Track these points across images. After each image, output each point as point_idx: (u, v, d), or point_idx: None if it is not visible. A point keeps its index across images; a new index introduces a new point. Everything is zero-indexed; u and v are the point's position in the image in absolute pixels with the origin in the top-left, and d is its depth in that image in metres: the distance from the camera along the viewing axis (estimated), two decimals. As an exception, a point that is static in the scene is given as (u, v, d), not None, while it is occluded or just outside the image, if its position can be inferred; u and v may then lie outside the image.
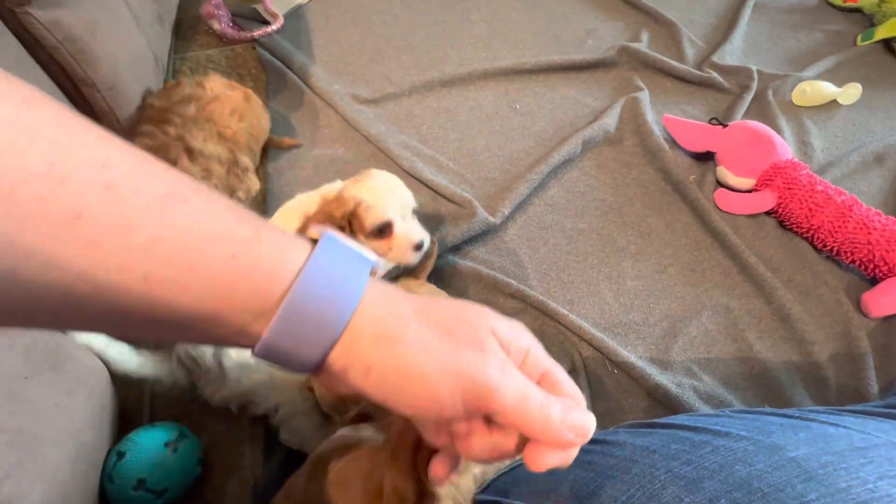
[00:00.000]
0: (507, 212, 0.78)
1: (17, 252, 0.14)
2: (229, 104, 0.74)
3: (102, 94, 0.67)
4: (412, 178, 0.85)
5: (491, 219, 0.76)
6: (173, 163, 0.63)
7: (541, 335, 0.66)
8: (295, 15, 1.23)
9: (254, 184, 0.78)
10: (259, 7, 1.23)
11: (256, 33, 1.12)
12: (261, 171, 0.86)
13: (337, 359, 0.19)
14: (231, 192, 0.73)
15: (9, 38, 0.58)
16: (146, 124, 0.67)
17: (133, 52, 0.76)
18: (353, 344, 0.19)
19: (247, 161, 0.76)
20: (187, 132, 0.66)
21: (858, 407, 0.41)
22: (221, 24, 1.13)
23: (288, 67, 1.05)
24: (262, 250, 0.18)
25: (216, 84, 0.76)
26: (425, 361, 0.19)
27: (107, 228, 0.15)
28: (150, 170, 0.17)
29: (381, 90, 1.00)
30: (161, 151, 0.64)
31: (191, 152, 0.66)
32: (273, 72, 1.04)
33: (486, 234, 0.77)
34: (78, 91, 0.68)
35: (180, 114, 0.68)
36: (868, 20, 1.19)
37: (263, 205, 0.81)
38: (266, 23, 1.17)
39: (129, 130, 0.71)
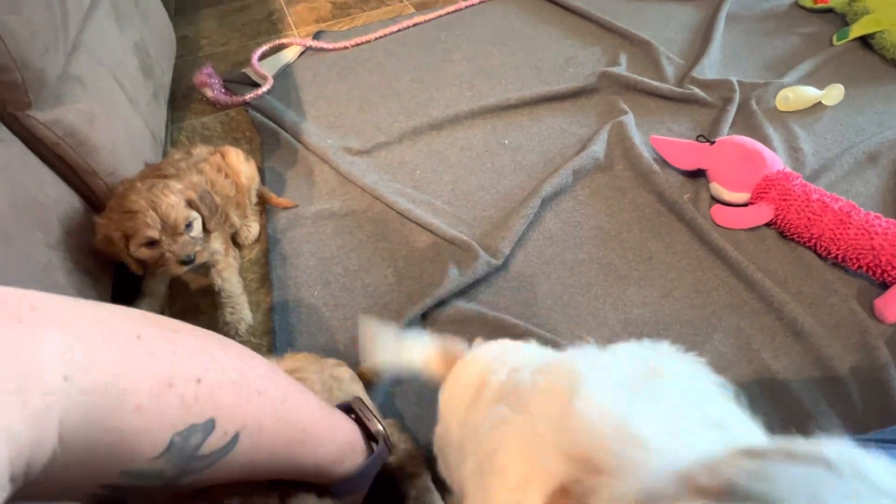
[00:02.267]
0: (507, 251, 0.78)
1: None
2: (215, 164, 0.78)
3: (104, 181, 0.70)
4: (411, 224, 0.86)
5: (493, 260, 0.76)
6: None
7: (553, 375, 0.66)
8: (283, 74, 1.28)
9: (252, 230, 0.86)
10: (248, 70, 1.27)
11: (248, 97, 1.16)
12: (262, 233, 0.88)
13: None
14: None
15: (12, 140, 0.61)
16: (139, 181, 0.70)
17: (131, 135, 0.79)
18: None
19: (234, 219, 0.82)
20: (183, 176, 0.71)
21: (875, 435, 0.40)
22: (214, 92, 1.17)
23: (280, 127, 1.08)
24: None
25: (202, 150, 0.81)
26: None
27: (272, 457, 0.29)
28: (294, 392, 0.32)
29: (371, 140, 1.03)
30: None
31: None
32: (266, 132, 1.07)
33: (489, 274, 0.77)
34: (79, 179, 0.70)
35: (175, 166, 0.72)
36: (841, 19, 1.21)
37: (266, 266, 0.83)
38: (256, 85, 1.22)
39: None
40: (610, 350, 0.30)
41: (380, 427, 0.39)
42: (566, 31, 1.32)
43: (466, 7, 1.45)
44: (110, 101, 0.76)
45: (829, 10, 1.26)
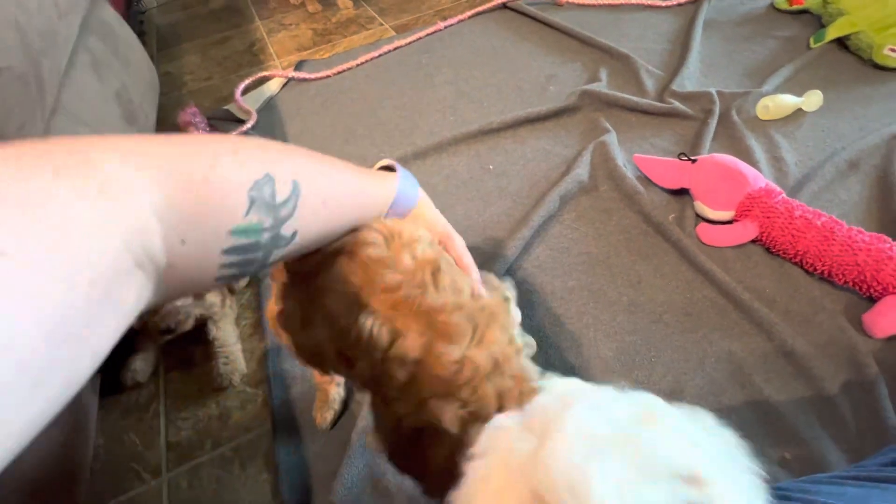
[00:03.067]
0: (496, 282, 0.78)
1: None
2: None
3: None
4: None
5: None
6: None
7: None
8: (267, 108, 1.28)
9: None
10: (231, 107, 1.28)
11: (233, 134, 1.16)
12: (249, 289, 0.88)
13: (411, 210, 0.43)
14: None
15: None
16: None
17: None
18: (417, 207, 0.43)
19: None
20: None
21: (863, 471, 0.40)
22: (199, 131, 1.17)
23: (266, 164, 1.08)
24: (376, 186, 0.40)
25: None
26: (435, 215, 0.44)
27: (327, 205, 0.34)
28: (328, 171, 0.35)
29: (357, 173, 1.03)
30: None
31: None
32: (252, 171, 1.07)
33: (478, 308, 0.77)
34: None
35: None
36: (817, 21, 1.22)
37: (258, 311, 0.83)
38: (241, 121, 1.22)
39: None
40: (612, 389, 0.30)
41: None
42: (546, 47, 1.32)
43: (445, 28, 1.46)
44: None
45: (805, 12, 1.26)
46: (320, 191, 0.32)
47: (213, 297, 0.74)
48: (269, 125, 1.22)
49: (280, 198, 0.28)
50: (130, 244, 0.21)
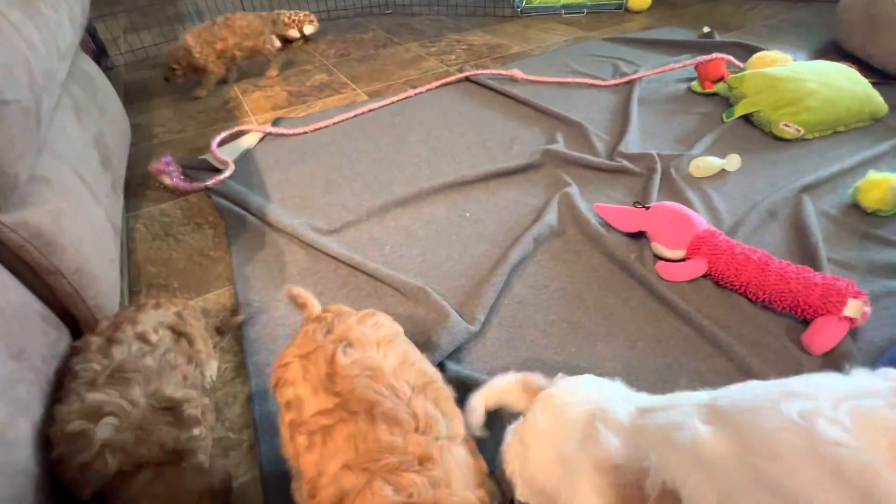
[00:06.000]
0: (482, 318, 0.82)
1: None
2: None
3: (68, 279, 0.67)
4: (388, 297, 0.88)
5: (471, 327, 0.80)
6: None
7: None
8: (245, 159, 1.31)
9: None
10: (208, 156, 1.29)
11: (209, 182, 1.17)
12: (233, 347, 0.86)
13: None
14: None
15: (-29, 245, 0.58)
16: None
17: (95, 230, 0.77)
18: None
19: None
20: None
21: None
22: (173, 179, 1.17)
23: (245, 210, 1.09)
24: None
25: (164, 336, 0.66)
26: None
27: None
28: None
29: (339, 219, 1.07)
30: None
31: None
32: (231, 217, 1.08)
33: (467, 341, 0.80)
34: (40, 279, 0.67)
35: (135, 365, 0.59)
36: (726, 101, 1.48)
37: (239, 353, 0.80)
38: (217, 171, 1.23)
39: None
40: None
41: None
42: (507, 114, 1.48)
43: (415, 94, 1.60)
44: (75, 197, 0.75)
45: (716, 94, 1.53)
46: None
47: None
48: (247, 175, 1.24)
49: None
50: None
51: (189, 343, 0.66)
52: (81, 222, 0.73)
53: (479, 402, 0.58)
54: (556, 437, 0.45)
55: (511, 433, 0.55)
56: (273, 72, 1.80)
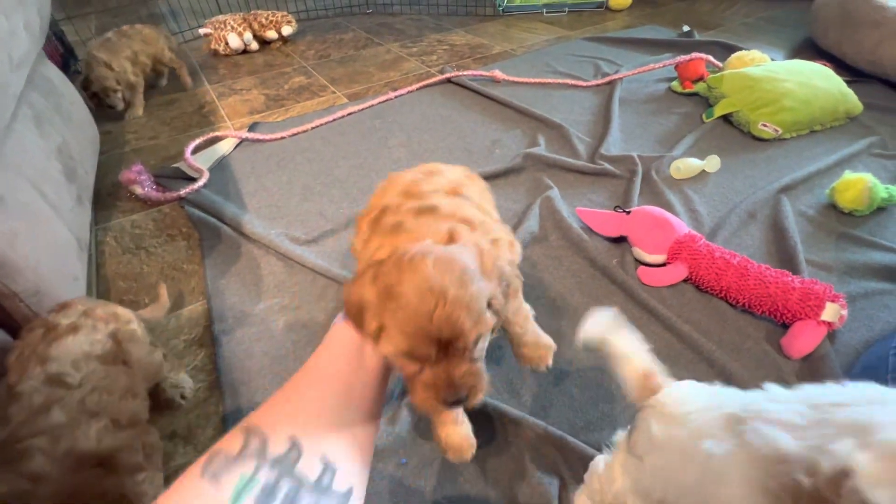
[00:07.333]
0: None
1: None
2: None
3: (25, 303, 0.64)
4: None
5: (450, 340, 0.78)
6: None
7: (526, 459, 0.67)
8: (220, 166, 1.27)
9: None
10: (182, 165, 1.25)
11: (183, 192, 1.13)
12: (207, 335, 0.83)
13: None
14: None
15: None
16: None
17: (55, 247, 0.74)
18: None
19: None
20: None
21: None
22: (144, 189, 1.13)
23: (220, 220, 1.06)
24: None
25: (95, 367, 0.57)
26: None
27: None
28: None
29: (317, 228, 1.04)
30: None
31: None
32: (205, 228, 1.04)
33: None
34: (-5, 303, 0.63)
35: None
36: (706, 101, 1.49)
37: (213, 372, 0.78)
38: (191, 179, 1.20)
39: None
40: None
41: None
42: (489, 116, 1.47)
43: (396, 97, 1.58)
44: (33, 215, 0.71)
45: (696, 94, 1.54)
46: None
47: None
48: (222, 183, 1.21)
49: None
50: None
51: (127, 372, 0.55)
52: (39, 241, 0.69)
53: (599, 328, 0.55)
54: (685, 445, 0.41)
55: (613, 452, 0.51)
56: (186, 80, 1.70)
